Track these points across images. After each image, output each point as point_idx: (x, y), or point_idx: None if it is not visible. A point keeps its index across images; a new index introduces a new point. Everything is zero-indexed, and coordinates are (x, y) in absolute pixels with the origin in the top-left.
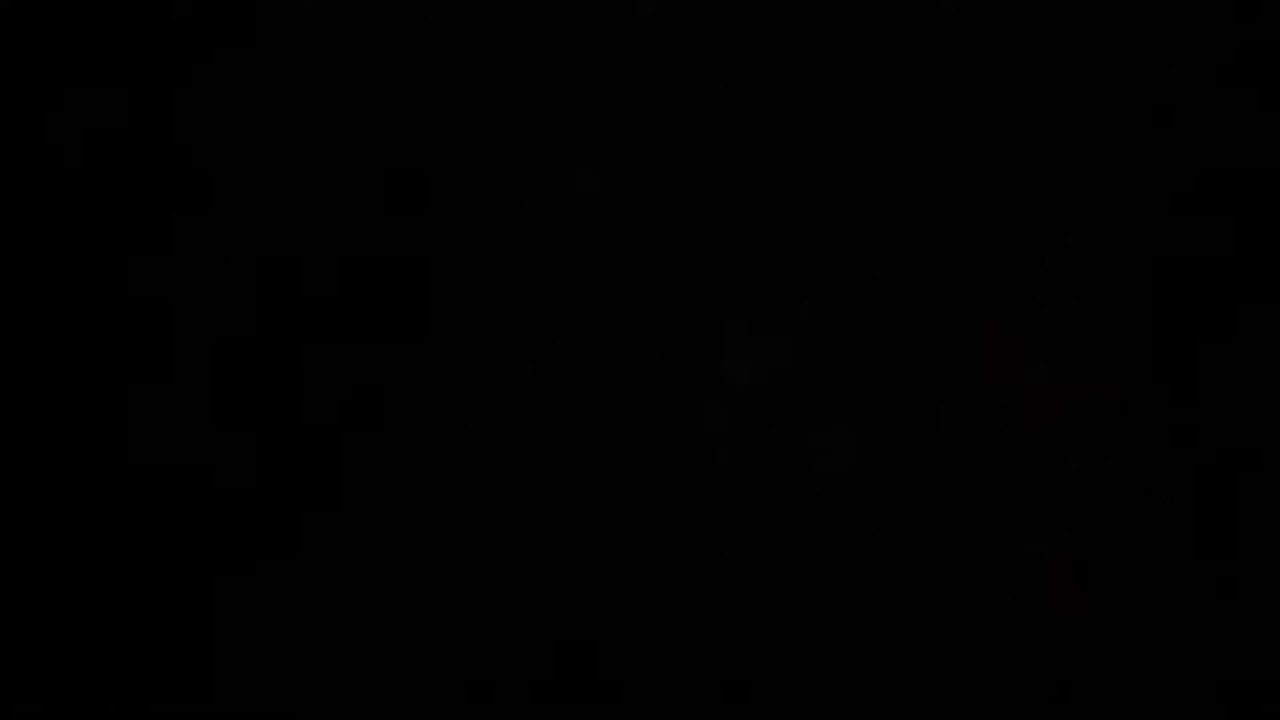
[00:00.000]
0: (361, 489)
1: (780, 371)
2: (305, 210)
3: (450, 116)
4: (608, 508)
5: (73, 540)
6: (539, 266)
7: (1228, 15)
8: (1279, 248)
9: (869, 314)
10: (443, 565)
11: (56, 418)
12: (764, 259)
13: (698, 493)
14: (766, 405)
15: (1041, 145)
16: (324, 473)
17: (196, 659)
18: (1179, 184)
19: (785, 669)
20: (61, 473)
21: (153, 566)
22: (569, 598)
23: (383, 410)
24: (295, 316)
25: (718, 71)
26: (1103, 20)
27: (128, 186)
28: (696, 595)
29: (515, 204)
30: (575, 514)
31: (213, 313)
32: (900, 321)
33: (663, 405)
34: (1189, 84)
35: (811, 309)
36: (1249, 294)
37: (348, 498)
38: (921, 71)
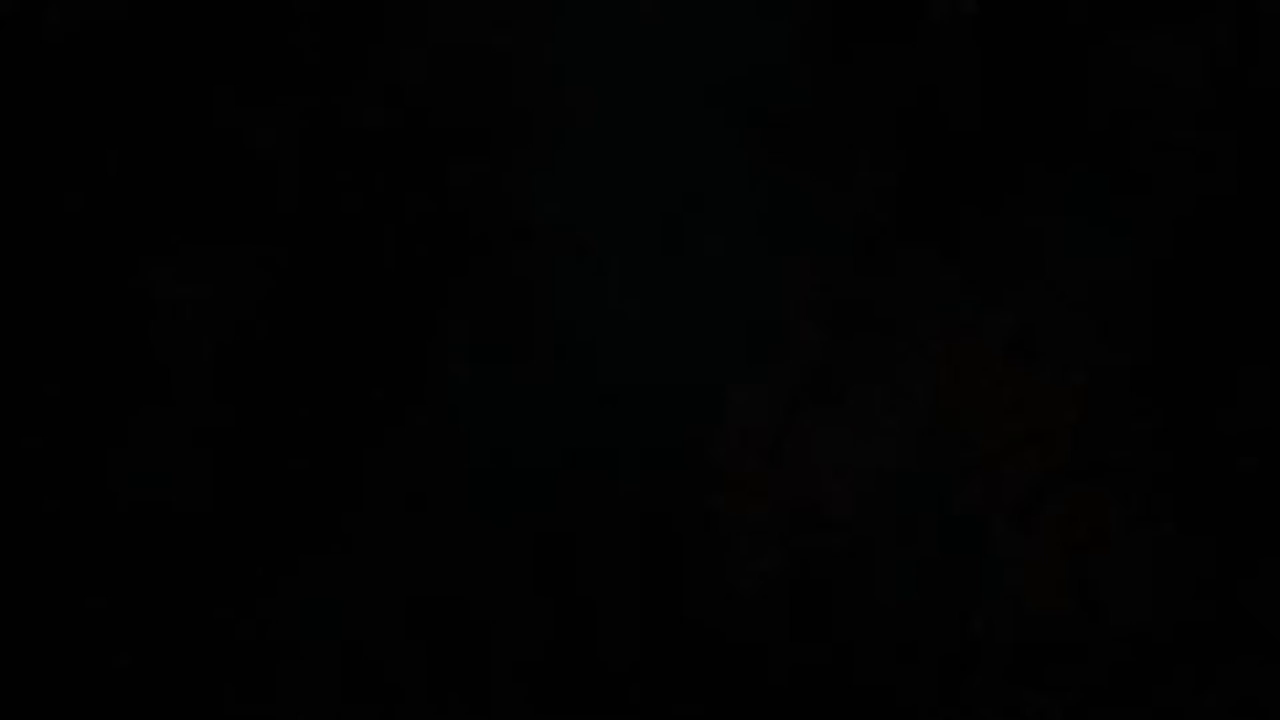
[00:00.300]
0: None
1: (783, 407)
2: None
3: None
4: (610, 536)
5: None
6: (544, 296)
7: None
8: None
9: (873, 348)
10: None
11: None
12: (770, 293)
13: (701, 527)
14: (770, 441)
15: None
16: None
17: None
18: (1179, 218)
19: (785, 703)
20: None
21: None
22: (571, 613)
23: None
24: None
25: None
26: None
27: None
28: (697, 623)
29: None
30: (581, 537)
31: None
32: (903, 357)
33: (669, 438)
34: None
35: (817, 343)
36: (1252, 338)
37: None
38: (923, 95)
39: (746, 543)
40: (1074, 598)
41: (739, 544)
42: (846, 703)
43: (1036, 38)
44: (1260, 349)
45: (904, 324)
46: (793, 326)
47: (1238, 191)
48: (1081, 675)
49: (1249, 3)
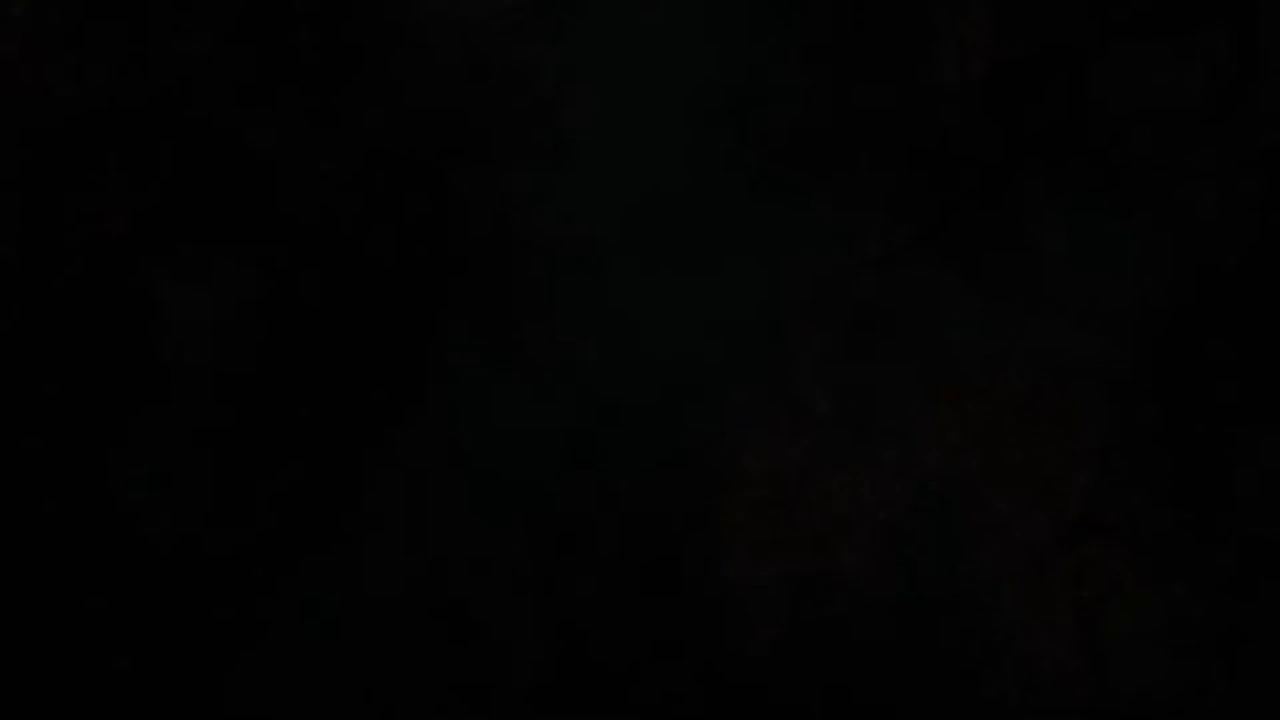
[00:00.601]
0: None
1: (797, 467)
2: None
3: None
4: (620, 591)
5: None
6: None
7: None
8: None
9: (885, 409)
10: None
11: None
12: (783, 354)
13: (714, 589)
14: (783, 505)
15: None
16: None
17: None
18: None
19: None
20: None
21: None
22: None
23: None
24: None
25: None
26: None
27: None
28: (704, 679)
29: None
30: (590, 589)
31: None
32: (915, 419)
33: (684, 497)
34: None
35: (829, 402)
36: (1265, 396)
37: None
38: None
39: (756, 604)
40: (1084, 658)
41: (749, 606)
42: None
43: (1041, 81)
44: (1274, 410)
45: (918, 387)
46: (807, 388)
47: (1254, 236)
48: None
49: (1248, 17)
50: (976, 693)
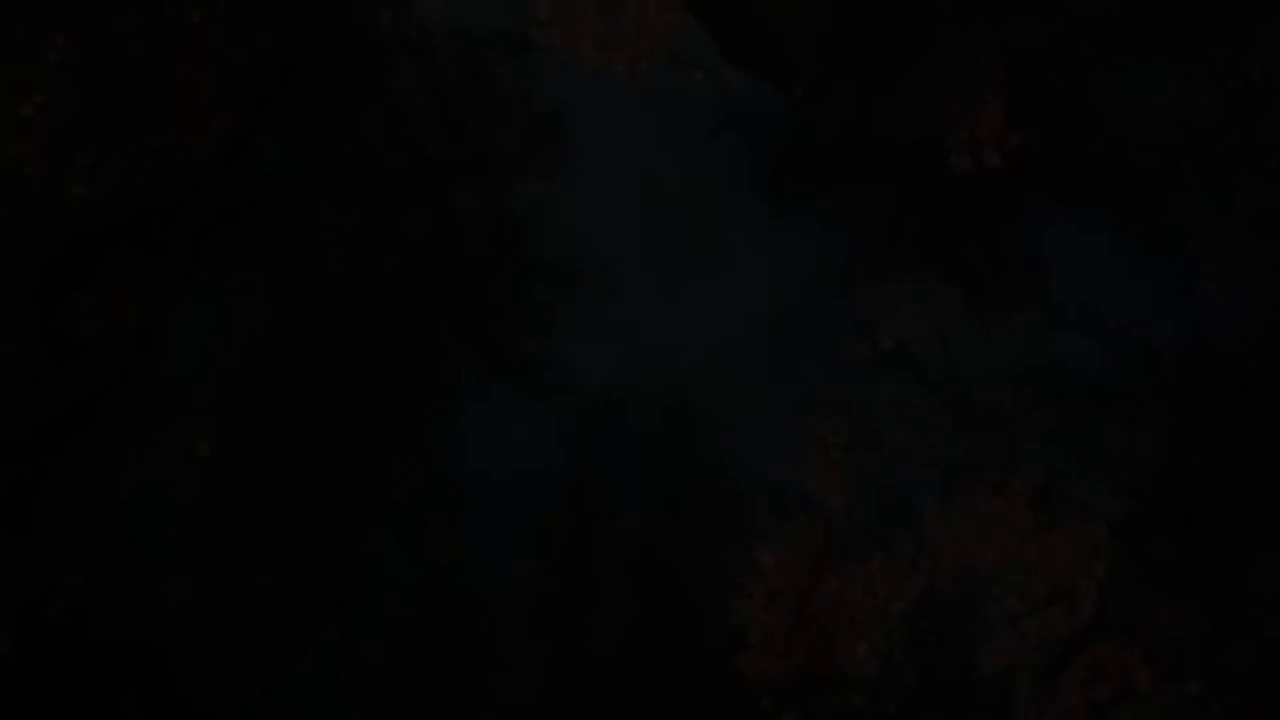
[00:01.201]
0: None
1: (809, 567)
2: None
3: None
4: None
5: None
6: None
7: None
8: None
9: (894, 507)
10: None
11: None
12: (794, 449)
13: (725, 688)
14: (795, 602)
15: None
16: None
17: None
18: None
19: None
20: None
21: None
22: None
23: None
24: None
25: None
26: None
27: None
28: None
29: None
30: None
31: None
32: (929, 513)
33: (694, 591)
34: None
35: (840, 501)
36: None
37: None
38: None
39: (770, 698)
40: None
41: (759, 703)
42: None
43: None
44: None
45: (927, 489)
46: (818, 486)
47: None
48: None
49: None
50: None
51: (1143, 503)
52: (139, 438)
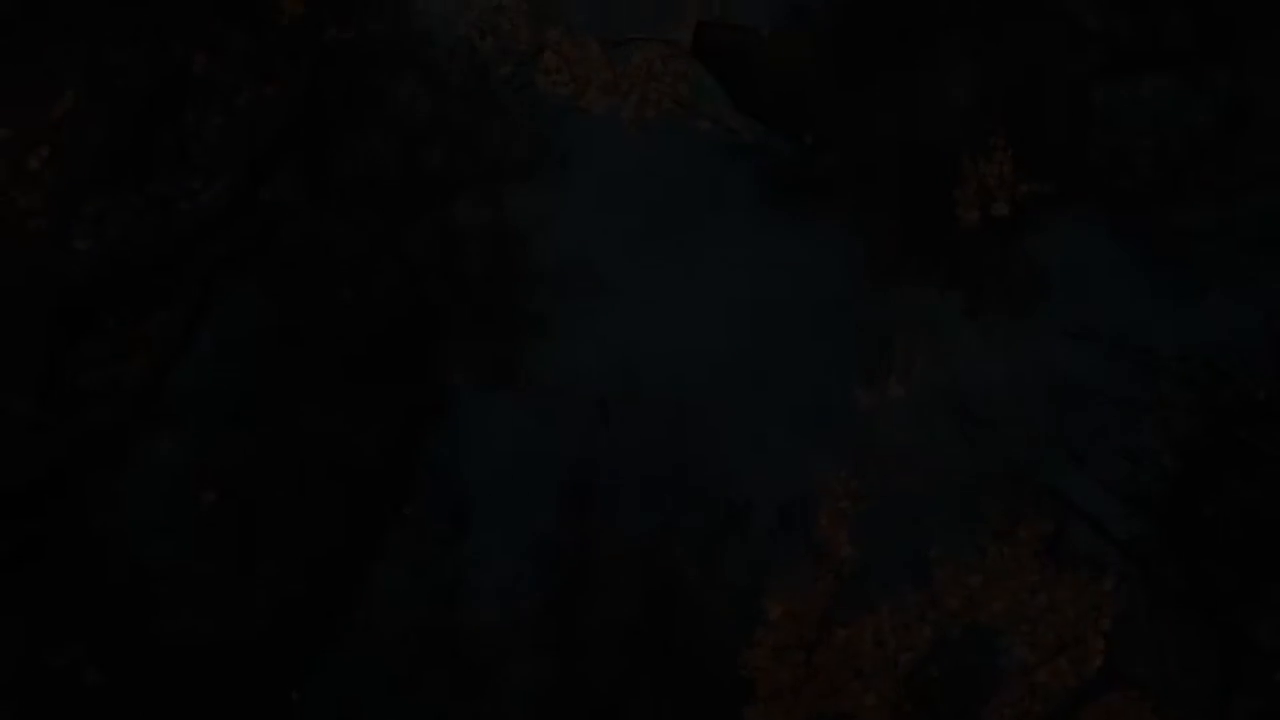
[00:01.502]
0: None
1: (818, 617)
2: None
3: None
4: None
5: None
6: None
7: None
8: None
9: (902, 555)
10: None
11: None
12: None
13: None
14: (804, 653)
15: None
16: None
17: None
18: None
19: None
20: None
21: None
22: None
23: None
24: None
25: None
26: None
27: None
28: None
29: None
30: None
31: None
32: (938, 563)
33: (704, 640)
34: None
35: (850, 551)
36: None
37: None
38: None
39: None
40: None
41: None
42: None
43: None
44: None
45: (935, 538)
46: (827, 545)
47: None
48: None
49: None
50: None
51: (1149, 550)
52: (140, 460)
